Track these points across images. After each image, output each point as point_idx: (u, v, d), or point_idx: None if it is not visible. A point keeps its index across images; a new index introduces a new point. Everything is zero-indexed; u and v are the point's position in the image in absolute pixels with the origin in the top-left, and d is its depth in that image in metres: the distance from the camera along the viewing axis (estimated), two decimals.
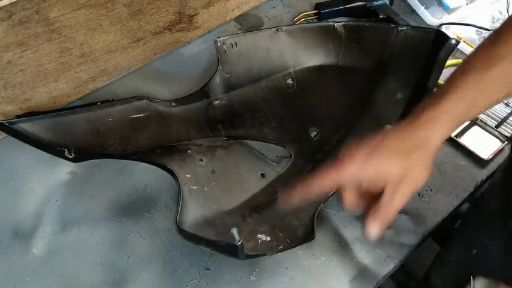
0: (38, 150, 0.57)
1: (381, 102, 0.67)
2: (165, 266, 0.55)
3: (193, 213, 0.56)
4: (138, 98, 0.63)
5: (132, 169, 0.63)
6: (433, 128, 0.41)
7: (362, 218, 0.60)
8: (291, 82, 0.71)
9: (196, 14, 0.75)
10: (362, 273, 0.55)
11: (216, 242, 0.50)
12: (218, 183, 0.60)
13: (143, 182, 0.62)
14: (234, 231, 0.44)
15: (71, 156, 0.56)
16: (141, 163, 0.62)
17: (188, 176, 0.59)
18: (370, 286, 0.55)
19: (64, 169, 0.63)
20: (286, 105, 0.69)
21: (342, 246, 0.57)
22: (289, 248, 0.52)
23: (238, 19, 0.83)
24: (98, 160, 0.63)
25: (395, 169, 0.40)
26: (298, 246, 0.53)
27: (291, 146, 0.66)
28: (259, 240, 0.54)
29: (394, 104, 0.66)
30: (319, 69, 0.72)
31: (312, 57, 0.72)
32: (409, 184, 0.41)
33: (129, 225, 0.58)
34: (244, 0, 0.81)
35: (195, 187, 0.58)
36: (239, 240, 0.44)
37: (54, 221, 0.58)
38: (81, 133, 0.59)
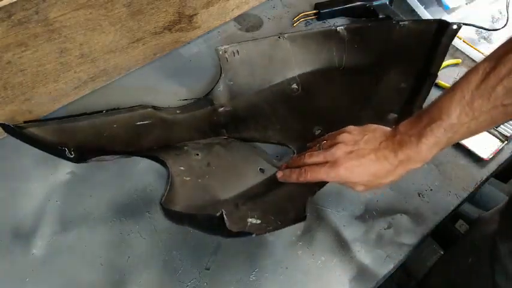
0: (38, 150, 0.57)
1: (384, 94, 0.67)
2: (165, 266, 0.55)
3: (184, 202, 0.53)
4: (143, 106, 0.63)
5: (132, 169, 0.63)
6: (417, 150, 0.44)
7: (362, 218, 0.60)
8: (296, 87, 0.70)
9: (196, 14, 0.75)
10: (362, 273, 0.55)
11: (196, 216, 0.49)
12: (213, 176, 0.58)
13: (143, 182, 0.62)
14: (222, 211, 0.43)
15: (71, 156, 0.56)
16: (141, 163, 0.62)
17: (182, 168, 0.57)
18: (370, 286, 0.55)
19: (64, 169, 0.63)
20: (290, 109, 0.69)
21: (342, 246, 0.57)
22: (279, 229, 0.50)
23: (238, 19, 0.83)
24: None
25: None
26: (297, 246, 0.53)
27: (294, 144, 0.65)
28: (249, 223, 0.51)
29: (397, 93, 0.66)
30: (323, 72, 0.71)
31: (315, 61, 0.71)
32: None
33: (129, 225, 0.58)
34: (244, 0, 0.81)
35: (188, 178, 0.56)
36: (221, 212, 0.43)
37: (54, 221, 0.58)
38: (85, 139, 0.59)
